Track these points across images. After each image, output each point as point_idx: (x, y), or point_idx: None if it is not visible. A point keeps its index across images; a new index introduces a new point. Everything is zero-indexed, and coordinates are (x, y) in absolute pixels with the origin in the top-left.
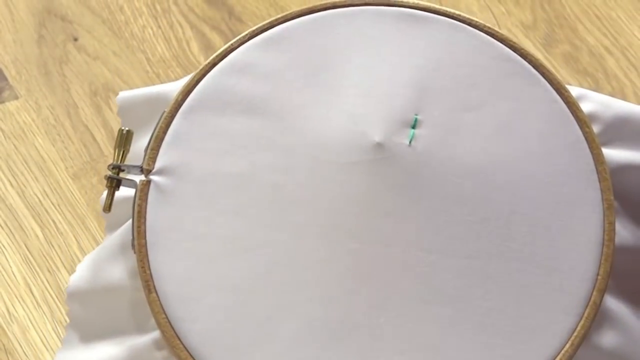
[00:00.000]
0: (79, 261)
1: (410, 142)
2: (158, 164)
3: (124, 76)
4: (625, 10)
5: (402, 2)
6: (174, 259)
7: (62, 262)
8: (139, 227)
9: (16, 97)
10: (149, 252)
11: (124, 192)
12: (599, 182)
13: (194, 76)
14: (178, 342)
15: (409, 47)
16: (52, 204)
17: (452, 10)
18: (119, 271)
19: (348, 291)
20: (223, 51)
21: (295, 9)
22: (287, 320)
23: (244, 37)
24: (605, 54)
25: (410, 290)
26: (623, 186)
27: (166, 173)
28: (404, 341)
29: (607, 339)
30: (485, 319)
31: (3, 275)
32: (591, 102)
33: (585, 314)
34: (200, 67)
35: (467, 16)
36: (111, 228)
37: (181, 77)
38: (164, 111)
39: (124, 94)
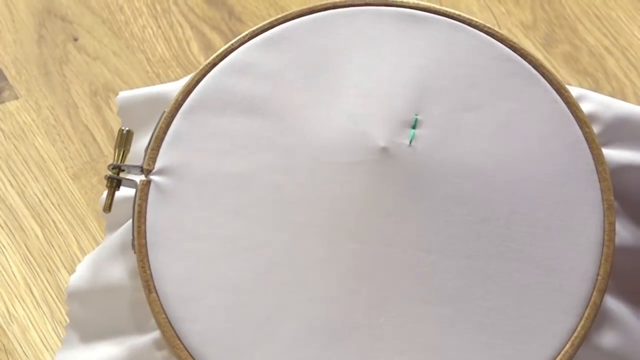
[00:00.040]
0: (79, 261)
1: (410, 142)
2: (158, 164)
3: (124, 76)
4: (625, 10)
5: (402, 2)
6: (174, 259)
7: (62, 262)
8: (139, 227)
9: (16, 97)
10: (149, 252)
11: (124, 192)
12: (599, 182)
13: (194, 76)
14: (178, 342)
15: (409, 47)
16: (52, 204)
17: (452, 11)
18: (119, 271)
19: (348, 291)
20: (223, 51)
21: (295, 9)
22: (287, 320)
23: (244, 37)
24: (605, 54)
25: (410, 290)
26: (623, 186)
27: (166, 173)
28: (404, 341)
29: (607, 339)
30: (485, 319)
31: (3, 275)
32: (591, 102)
33: (586, 314)
34: (201, 67)
35: (467, 16)
36: (111, 228)
37: (181, 77)
38: (164, 111)
39: (124, 94)
